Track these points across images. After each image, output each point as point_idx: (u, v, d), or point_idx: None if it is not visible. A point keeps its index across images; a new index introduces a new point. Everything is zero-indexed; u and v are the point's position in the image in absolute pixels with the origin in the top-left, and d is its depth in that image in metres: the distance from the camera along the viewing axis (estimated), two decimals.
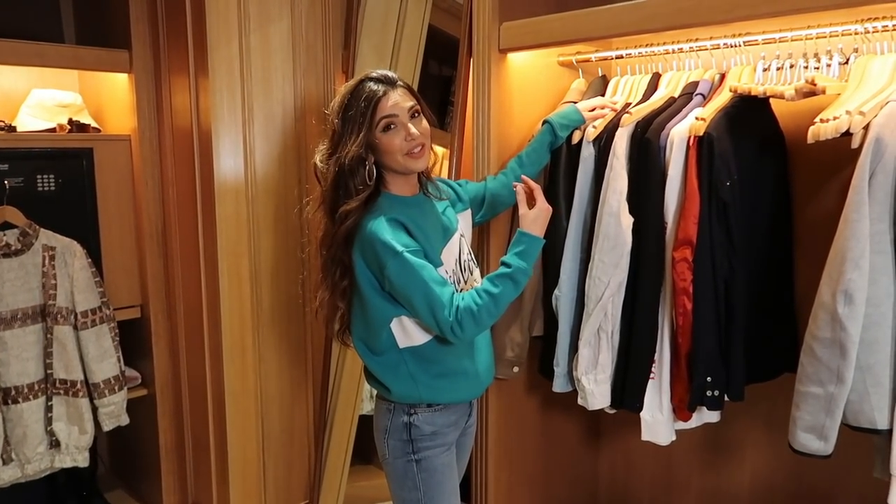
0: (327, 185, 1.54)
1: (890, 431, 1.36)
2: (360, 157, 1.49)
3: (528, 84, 1.97)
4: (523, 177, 1.67)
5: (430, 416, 1.60)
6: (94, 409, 2.39)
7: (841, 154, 1.43)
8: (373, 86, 1.51)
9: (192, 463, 2.63)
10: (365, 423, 2.40)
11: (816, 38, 1.52)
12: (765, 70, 1.64)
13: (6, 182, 2.28)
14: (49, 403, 2.31)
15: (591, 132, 1.77)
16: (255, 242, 2.40)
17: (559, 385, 1.87)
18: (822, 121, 1.35)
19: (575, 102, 1.88)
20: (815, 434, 1.41)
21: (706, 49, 1.71)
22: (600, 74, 1.98)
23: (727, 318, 1.60)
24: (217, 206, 2.30)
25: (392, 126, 1.51)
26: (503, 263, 1.54)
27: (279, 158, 2.42)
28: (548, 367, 1.88)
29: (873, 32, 1.44)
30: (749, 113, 1.61)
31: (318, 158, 1.58)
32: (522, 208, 1.59)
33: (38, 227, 2.30)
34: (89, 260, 2.37)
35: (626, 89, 1.88)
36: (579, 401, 1.80)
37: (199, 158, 2.33)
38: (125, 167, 2.55)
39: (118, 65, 2.47)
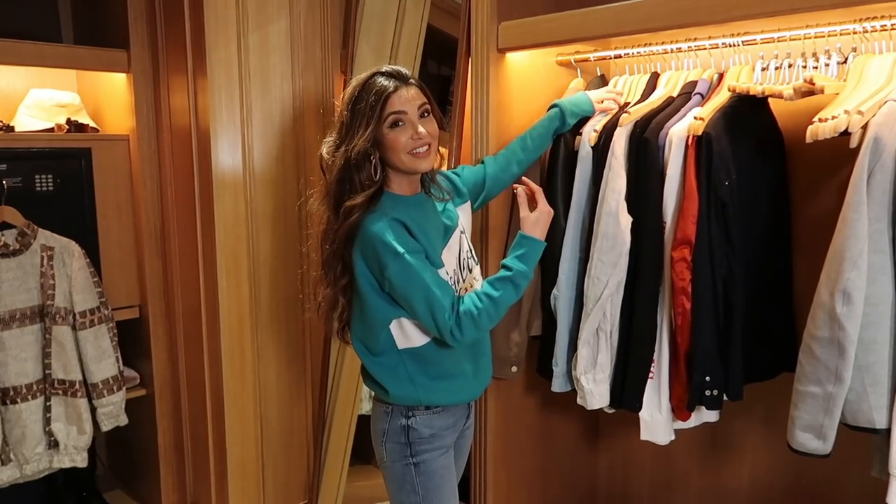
0: (332, 177, 1.51)
1: (888, 431, 1.36)
2: (366, 151, 1.47)
3: (526, 84, 1.97)
4: (524, 179, 1.66)
5: (429, 419, 1.58)
6: (93, 410, 2.39)
7: (839, 153, 1.43)
8: (384, 80, 1.48)
9: (191, 463, 2.63)
10: (364, 422, 2.39)
11: (815, 37, 1.52)
12: (763, 69, 1.64)
13: (4, 182, 2.27)
14: (47, 404, 2.31)
15: (593, 136, 1.76)
16: (254, 242, 2.39)
17: (558, 385, 1.87)
18: (820, 120, 1.35)
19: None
20: (813, 433, 1.41)
21: (705, 48, 1.71)
22: (599, 74, 1.98)
23: (726, 318, 1.60)
24: (215, 206, 2.30)
25: (400, 123, 1.48)
26: (504, 266, 1.53)
27: (277, 158, 2.42)
28: (546, 367, 1.88)
29: (872, 32, 1.43)
30: (748, 112, 1.61)
31: (324, 150, 1.55)
32: (523, 211, 1.58)
33: (36, 227, 2.29)
34: (88, 260, 2.37)
35: (625, 89, 1.88)
36: (578, 400, 1.80)
37: (198, 158, 2.33)
38: (123, 167, 2.55)
39: (116, 65, 2.47)
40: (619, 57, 1.89)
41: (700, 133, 1.56)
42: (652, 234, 1.66)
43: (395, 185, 1.55)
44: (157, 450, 2.65)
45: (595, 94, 1.84)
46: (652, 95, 1.80)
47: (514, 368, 1.93)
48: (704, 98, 1.70)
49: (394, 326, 1.54)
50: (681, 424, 1.72)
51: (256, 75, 2.34)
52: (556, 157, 1.86)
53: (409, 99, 1.48)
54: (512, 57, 1.93)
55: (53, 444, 2.33)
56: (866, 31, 1.44)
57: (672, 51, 1.77)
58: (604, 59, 1.94)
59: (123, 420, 2.48)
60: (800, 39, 1.54)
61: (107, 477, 2.92)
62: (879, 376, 1.36)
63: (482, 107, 1.90)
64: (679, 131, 1.61)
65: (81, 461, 2.39)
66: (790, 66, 1.60)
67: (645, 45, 1.81)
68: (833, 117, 1.34)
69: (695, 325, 1.60)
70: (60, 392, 2.34)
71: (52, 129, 2.44)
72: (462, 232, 1.65)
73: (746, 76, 1.66)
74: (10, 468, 2.26)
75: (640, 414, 1.71)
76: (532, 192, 1.61)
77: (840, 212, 1.34)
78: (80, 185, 2.45)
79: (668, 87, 1.79)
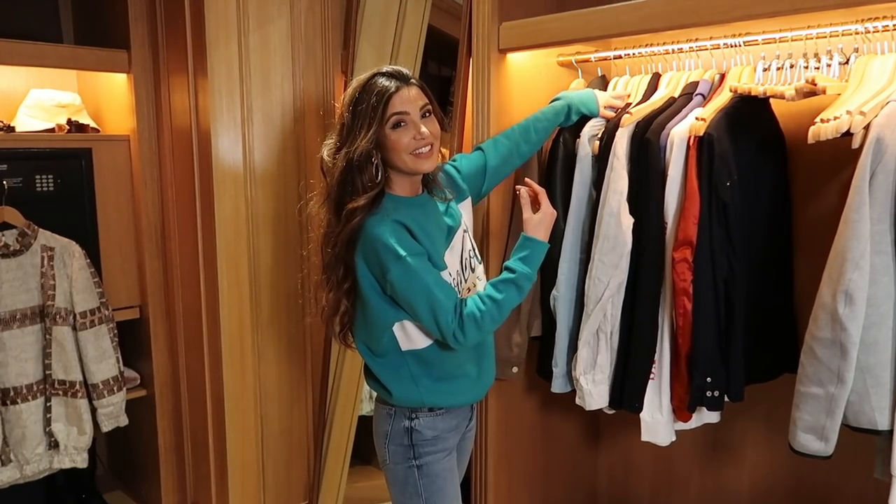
0: (333, 180, 1.49)
1: (891, 432, 1.36)
2: (368, 153, 1.45)
3: (527, 84, 1.97)
4: (527, 180, 1.65)
5: (432, 421, 1.58)
6: (93, 410, 2.39)
7: (841, 154, 1.43)
8: (385, 81, 1.47)
9: (191, 463, 2.63)
10: (364, 423, 2.40)
11: (816, 38, 1.52)
12: (765, 70, 1.64)
13: (5, 182, 2.27)
14: (48, 404, 2.31)
15: (596, 145, 1.76)
16: (254, 243, 2.39)
17: (558, 386, 1.87)
18: (822, 121, 1.35)
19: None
20: (815, 434, 1.41)
21: (706, 49, 1.71)
22: (600, 74, 1.98)
23: (727, 319, 1.60)
24: (216, 207, 2.30)
25: (402, 123, 1.47)
26: (507, 268, 1.52)
27: (278, 158, 2.42)
28: (546, 367, 1.88)
29: (873, 32, 1.43)
30: (749, 113, 1.61)
31: (325, 152, 1.53)
32: (526, 212, 1.57)
33: (36, 227, 2.29)
34: (88, 260, 2.37)
35: (626, 89, 1.88)
36: (577, 401, 1.80)
37: (198, 158, 2.33)
38: (124, 167, 2.55)
39: (117, 65, 2.47)
40: (620, 57, 1.89)
41: (702, 134, 1.56)
42: (653, 234, 1.65)
43: (397, 187, 1.54)
44: (158, 450, 2.64)
45: (602, 98, 1.83)
46: (653, 96, 1.80)
47: (514, 369, 1.93)
48: (706, 99, 1.70)
49: (397, 328, 1.53)
50: (682, 425, 1.72)
51: (257, 75, 2.34)
52: (554, 158, 1.85)
53: (410, 99, 1.47)
54: (513, 57, 1.93)
55: (54, 444, 2.33)
56: (868, 32, 1.44)
57: (673, 51, 1.77)
58: (605, 59, 1.93)
59: (124, 420, 2.48)
60: (801, 40, 1.54)
61: (107, 477, 2.92)
62: (881, 377, 1.36)
63: (483, 107, 1.90)
64: (681, 132, 1.61)
65: (82, 462, 2.39)
66: (792, 66, 1.60)
67: (646, 45, 1.81)
68: (835, 118, 1.33)
69: (696, 325, 1.59)
70: (61, 392, 2.33)
71: (52, 130, 2.44)
72: (465, 231, 1.63)
73: (748, 77, 1.66)
74: (11, 469, 2.26)
75: (641, 415, 1.71)
76: (535, 193, 1.60)
77: (842, 213, 1.34)
78: (80, 185, 2.45)
79: (669, 88, 1.79)
